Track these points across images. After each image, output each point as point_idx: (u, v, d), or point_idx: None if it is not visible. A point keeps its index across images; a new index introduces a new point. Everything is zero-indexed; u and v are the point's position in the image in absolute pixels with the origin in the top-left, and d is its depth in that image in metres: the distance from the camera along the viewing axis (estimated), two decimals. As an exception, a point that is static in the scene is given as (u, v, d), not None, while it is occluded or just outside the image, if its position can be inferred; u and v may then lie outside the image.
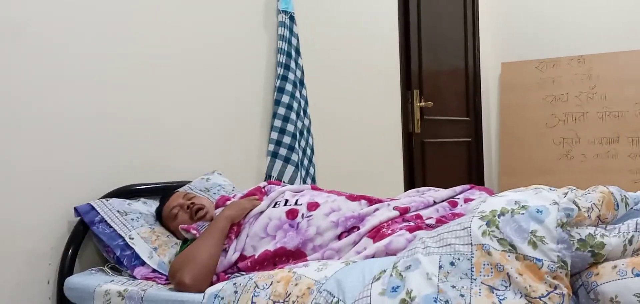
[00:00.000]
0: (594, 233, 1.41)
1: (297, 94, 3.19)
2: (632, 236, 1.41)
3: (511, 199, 1.47)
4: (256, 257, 1.97)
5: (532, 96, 5.25)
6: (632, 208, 1.58)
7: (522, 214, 1.40)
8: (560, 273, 1.32)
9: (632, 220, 1.48)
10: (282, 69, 3.14)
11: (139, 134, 2.50)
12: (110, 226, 2.16)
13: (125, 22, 2.47)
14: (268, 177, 3.08)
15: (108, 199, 2.29)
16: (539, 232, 1.35)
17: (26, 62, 2.12)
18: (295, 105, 3.15)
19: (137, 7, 2.52)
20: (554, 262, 1.32)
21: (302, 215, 2.04)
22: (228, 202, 2.21)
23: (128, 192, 2.39)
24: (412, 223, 1.92)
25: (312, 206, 2.06)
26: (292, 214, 2.05)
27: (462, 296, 1.31)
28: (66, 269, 2.16)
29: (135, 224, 2.21)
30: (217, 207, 2.27)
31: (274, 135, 3.10)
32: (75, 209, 2.21)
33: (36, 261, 2.14)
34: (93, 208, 2.20)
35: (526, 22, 5.44)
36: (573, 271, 1.38)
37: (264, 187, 2.32)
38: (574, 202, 1.45)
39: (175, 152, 2.67)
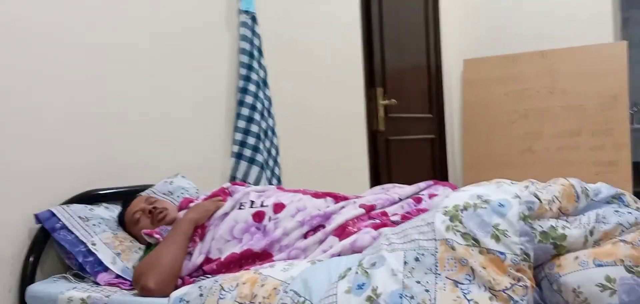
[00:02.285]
0: (556, 225, 1.43)
1: (261, 95, 3.18)
2: (593, 227, 1.44)
3: (474, 194, 1.48)
4: (222, 259, 1.96)
5: (495, 91, 5.30)
6: (592, 200, 1.61)
7: (485, 208, 1.41)
8: (524, 265, 1.33)
9: (593, 211, 1.50)
10: (245, 70, 3.12)
11: (99, 137, 2.47)
12: (72, 232, 2.12)
13: (78, 21, 2.43)
14: (233, 178, 3.06)
15: (69, 205, 2.25)
16: (501, 225, 1.37)
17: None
18: (258, 105, 3.13)
19: (94, 9, 2.49)
20: (517, 255, 1.33)
21: (269, 218, 2.03)
22: (191, 205, 2.20)
23: (89, 198, 2.35)
24: (377, 220, 1.93)
25: (278, 207, 2.06)
26: (258, 216, 2.04)
27: (427, 291, 1.32)
28: (28, 276, 2.12)
29: (97, 229, 2.18)
30: (180, 209, 2.25)
31: (238, 136, 3.08)
32: (36, 216, 2.17)
33: (-4, 269, 2.10)
34: (54, 215, 2.16)
35: (488, 18, 5.49)
36: (536, 263, 1.40)
37: (227, 189, 2.31)
38: (536, 195, 1.47)
39: (137, 155, 2.64)
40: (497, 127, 5.28)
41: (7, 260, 2.13)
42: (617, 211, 1.49)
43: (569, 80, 5.03)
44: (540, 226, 1.42)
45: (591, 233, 1.42)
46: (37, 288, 2.07)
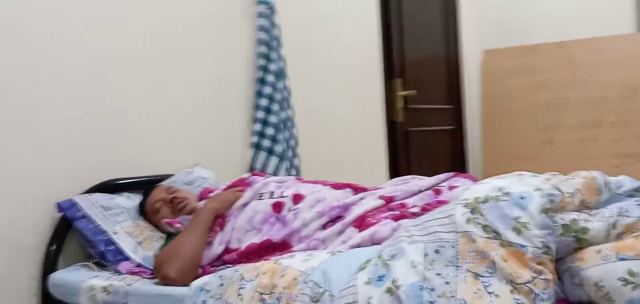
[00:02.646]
0: (578, 218, 1.41)
1: (280, 85, 3.18)
2: (616, 221, 1.42)
3: (494, 186, 1.47)
4: (242, 249, 1.97)
5: (514, 82, 5.27)
6: (614, 193, 1.59)
7: (506, 200, 1.40)
8: (545, 258, 1.32)
9: (615, 204, 1.49)
10: (263, 60, 3.13)
11: (120, 128, 2.49)
12: (94, 221, 2.14)
13: (101, 15, 2.45)
14: (252, 169, 3.07)
15: (91, 194, 2.27)
16: (522, 218, 1.36)
17: (2, 60, 2.10)
18: (277, 96, 3.13)
19: (113, 0, 2.50)
20: (538, 248, 1.32)
21: (289, 208, 2.03)
22: (211, 195, 2.21)
23: (111, 187, 2.37)
24: (397, 212, 1.93)
25: (298, 198, 2.06)
26: (278, 207, 2.05)
27: (448, 283, 1.31)
28: (50, 265, 2.14)
29: (118, 218, 2.19)
30: (200, 199, 2.26)
31: (257, 127, 3.09)
32: (58, 204, 2.19)
33: (20, 257, 2.12)
34: (75, 204, 2.18)
35: (506, 8, 5.45)
36: (557, 256, 1.39)
37: (247, 179, 2.31)
38: (557, 188, 1.45)
39: (158, 145, 2.66)
40: (517, 119, 5.25)
41: (29, 249, 2.15)
42: (639, 204, 1.47)
43: (589, 71, 4.99)
44: (561, 219, 1.41)
45: (613, 226, 1.41)
46: (59, 276, 2.09)
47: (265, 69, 3.12)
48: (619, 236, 1.41)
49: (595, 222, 1.41)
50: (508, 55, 5.31)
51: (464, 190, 1.54)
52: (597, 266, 1.33)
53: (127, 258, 2.08)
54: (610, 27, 4.96)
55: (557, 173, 1.60)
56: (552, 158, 5.06)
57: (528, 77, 5.22)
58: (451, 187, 2.15)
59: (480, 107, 5.49)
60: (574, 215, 1.43)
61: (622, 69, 4.84)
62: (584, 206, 1.49)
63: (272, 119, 3.09)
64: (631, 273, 1.28)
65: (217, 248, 1.98)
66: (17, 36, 2.14)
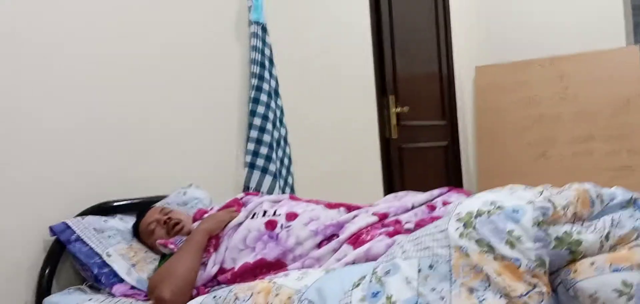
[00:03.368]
0: (571, 230, 1.41)
1: (273, 104, 3.19)
2: (609, 232, 1.42)
3: (487, 200, 1.47)
4: (236, 269, 1.96)
5: (507, 98, 5.29)
6: (607, 204, 1.59)
7: (498, 214, 1.40)
8: (539, 271, 1.32)
9: (608, 216, 1.49)
10: (257, 80, 3.13)
11: (113, 148, 2.49)
12: (87, 244, 2.13)
13: (94, 32, 2.45)
14: (246, 188, 3.07)
15: (84, 216, 2.26)
16: (515, 232, 1.36)
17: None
18: (271, 115, 3.14)
19: (106, 20, 2.51)
20: (532, 261, 1.32)
21: (281, 225, 2.03)
22: (205, 215, 2.20)
23: (104, 209, 2.37)
24: (391, 228, 1.92)
25: (291, 216, 2.05)
26: (271, 225, 2.04)
27: (443, 298, 1.31)
28: (44, 289, 2.13)
29: (112, 241, 2.19)
30: (194, 220, 2.26)
31: (251, 146, 3.09)
32: (51, 228, 2.18)
33: (13, 281, 2.11)
34: (69, 227, 2.18)
35: (498, 24, 5.49)
36: (551, 269, 1.39)
37: (241, 199, 2.31)
38: (550, 201, 1.46)
39: (151, 166, 2.65)
40: (510, 134, 5.27)
41: (23, 272, 2.14)
42: (632, 216, 1.47)
43: (581, 86, 5.01)
44: (555, 231, 1.40)
45: (607, 237, 1.41)
46: (53, 300, 2.08)
47: (258, 89, 3.12)
48: (612, 248, 1.41)
49: (588, 234, 1.41)
50: (500, 71, 5.34)
51: (457, 205, 1.54)
52: (592, 277, 1.32)
53: (121, 281, 2.07)
54: (601, 42, 4.99)
55: (549, 186, 1.61)
56: (546, 173, 5.07)
57: (520, 93, 5.24)
58: (445, 203, 2.15)
59: (474, 123, 5.51)
60: (567, 227, 1.42)
61: (613, 83, 4.87)
62: (577, 218, 1.49)
63: (266, 138, 3.10)
64: (625, 284, 1.28)
65: (211, 269, 1.98)
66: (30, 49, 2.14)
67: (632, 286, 1.28)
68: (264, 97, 3.12)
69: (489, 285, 1.31)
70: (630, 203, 1.60)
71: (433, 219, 2.00)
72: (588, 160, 4.96)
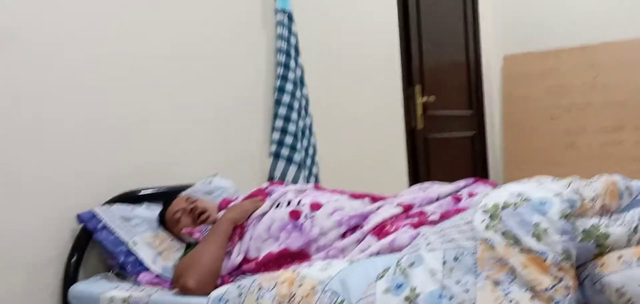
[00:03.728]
0: (598, 223, 1.40)
1: (298, 93, 3.18)
2: (637, 225, 1.40)
3: (514, 192, 1.46)
4: (260, 259, 1.96)
5: (536, 87, 5.23)
6: (636, 197, 1.57)
7: (525, 206, 1.39)
8: (565, 264, 1.31)
9: (637, 209, 1.47)
10: (282, 69, 3.13)
11: (140, 138, 2.50)
12: (113, 233, 2.15)
13: (121, 23, 2.47)
14: (271, 178, 3.07)
15: (110, 205, 2.28)
16: (542, 224, 1.34)
17: (22, 68, 2.12)
18: (296, 104, 3.14)
19: (134, 9, 2.52)
20: (559, 254, 1.30)
21: (306, 216, 2.03)
22: (230, 205, 2.21)
23: (131, 198, 2.38)
24: (415, 219, 1.91)
25: (315, 206, 2.05)
26: (295, 215, 2.04)
27: (467, 291, 1.30)
28: (70, 276, 2.16)
29: (138, 229, 2.20)
30: (219, 210, 2.27)
31: (276, 135, 3.09)
32: (78, 216, 2.20)
33: (40, 269, 2.14)
34: (95, 215, 2.19)
35: (527, 12, 5.42)
36: (578, 262, 1.37)
37: (266, 189, 2.31)
38: (577, 193, 1.44)
39: (177, 155, 2.67)
40: (538, 124, 5.21)
41: (50, 260, 2.17)
42: (661, 209, 1.45)
43: (611, 74, 4.94)
44: (582, 224, 1.39)
45: (635, 230, 1.39)
46: (80, 287, 2.10)
47: (284, 78, 3.13)
48: (640, 241, 1.39)
49: (616, 228, 1.39)
50: (529, 60, 5.28)
51: (483, 196, 1.52)
52: (619, 272, 1.31)
53: (146, 269, 2.09)
54: (632, 30, 4.91)
55: (577, 178, 1.58)
56: (575, 163, 5.02)
57: (549, 82, 5.18)
58: (471, 194, 2.13)
59: (501, 113, 5.46)
60: (595, 220, 1.41)
61: (644, 71, 4.80)
62: (605, 211, 1.47)
63: (291, 127, 3.10)
64: (654, 279, 1.26)
65: (235, 258, 1.98)
66: (36, 45, 2.16)
67: (660, 280, 1.26)
68: (289, 86, 3.12)
69: (515, 278, 1.30)
70: (659, 196, 1.58)
71: (458, 210, 1.99)
72: (618, 150, 4.90)
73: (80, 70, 2.30)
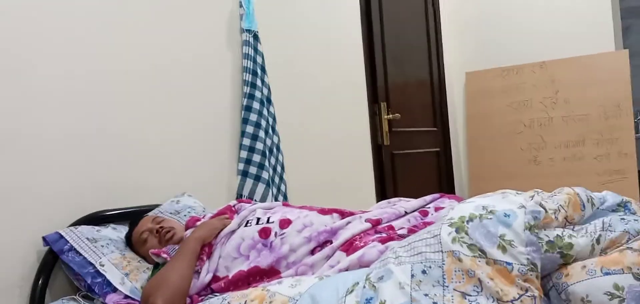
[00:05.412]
0: (562, 234, 1.43)
1: (265, 112, 3.19)
2: (600, 236, 1.44)
3: (479, 205, 1.49)
4: (230, 277, 1.95)
5: (497, 103, 5.31)
6: (598, 208, 1.61)
7: (490, 219, 1.42)
8: (531, 275, 1.33)
9: (599, 220, 1.50)
10: (249, 88, 3.14)
11: (106, 158, 2.48)
12: (80, 254, 2.13)
13: (90, 42, 2.45)
14: (239, 196, 3.07)
15: (77, 226, 2.26)
16: (507, 236, 1.37)
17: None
18: (263, 123, 3.14)
19: (101, 29, 2.51)
20: (524, 265, 1.33)
21: (275, 233, 2.03)
22: (198, 223, 2.20)
23: (97, 219, 2.36)
24: (384, 234, 1.93)
25: (285, 223, 2.06)
26: (265, 233, 2.04)
27: (435, 303, 1.32)
28: (37, 299, 2.12)
29: (105, 250, 2.18)
30: (187, 228, 2.25)
31: (243, 154, 3.09)
32: (44, 238, 2.18)
33: (6, 291, 2.10)
34: (62, 236, 2.17)
35: (487, 30, 5.51)
36: (543, 272, 1.40)
37: (234, 206, 2.31)
38: (541, 205, 1.47)
39: (144, 175, 2.65)
40: (501, 139, 5.29)
41: (16, 283, 2.14)
42: (623, 219, 1.49)
43: (571, 90, 5.04)
44: (546, 235, 1.42)
45: (598, 241, 1.43)
46: (47, 310, 2.08)
47: (250, 96, 3.13)
48: (603, 251, 1.43)
49: (579, 238, 1.42)
50: (490, 76, 5.36)
51: (450, 210, 1.55)
52: (583, 281, 1.34)
53: (114, 290, 2.07)
54: (591, 46, 5.02)
55: (540, 190, 1.62)
56: (537, 177, 5.09)
57: (511, 98, 5.26)
58: (437, 209, 2.16)
59: (465, 128, 5.52)
60: (559, 231, 1.44)
61: (603, 86, 4.90)
62: (568, 222, 1.51)
63: (259, 145, 3.10)
64: (617, 287, 1.29)
65: (204, 277, 1.97)
66: (23, 60, 2.14)
67: (623, 289, 1.29)
68: (256, 105, 3.13)
69: (482, 290, 1.32)
70: (620, 207, 1.62)
71: (426, 224, 2.01)
72: (579, 164, 4.98)
73: (46, 91, 2.28)
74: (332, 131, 3.91)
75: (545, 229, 1.44)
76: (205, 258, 2.02)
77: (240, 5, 3.20)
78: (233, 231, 2.09)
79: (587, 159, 4.96)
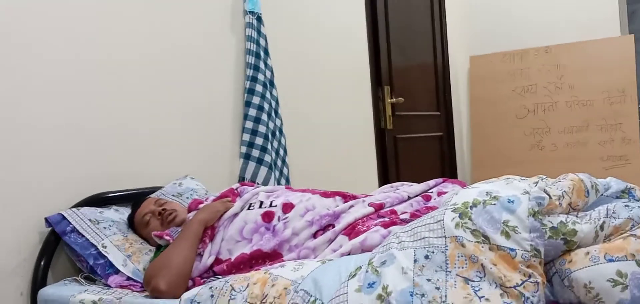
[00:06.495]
0: (566, 220, 1.42)
1: (268, 95, 3.18)
2: (603, 222, 1.43)
3: (483, 190, 1.48)
4: (232, 260, 1.96)
5: (502, 88, 5.30)
6: (602, 195, 1.60)
7: (494, 204, 1.41)
8: (534, 261, 1.33)
9: (603, 206, 1.50)
10: (252, 70, 3.13)
11: (109, 140, 2.48)
12: (83, 235, 2.13)
13: (91, 27, 2.44)
14: (241, 179, 3.07)
15: (79, 208, 2.26)
16: (511, 222, 1.37)
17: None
18: (266, 106, 3.14)
19: (103, 12, 2.50)
20: (527, 251, 1.33)
21: (278, 217, 2.03)
22: (200, 206, 2.20)
23: (99, 201, 2.36)
24: (386, 219, 1.93)
25: (288, 207, 2.05)
26: (268, 216, 2.04)
27: (438, 289, 1.32)
28: (39, 280, 2.13)
29: (107, 232, 2.18)
30: (189, 211, 2.25)
31: (246, 137, 3.09)
32: (46, 219, 2.18)
33: (8, 273, 2.11)
34: (64, 218, 2.17)
35: (493, 14, 5.49)
36: (546, 259, 1.40)
37: (236, 189, 2.31)
38: (545, 191, 1.46)
39: (147, 157, 2.65)
40: (505, 124, 5.28)
41: (18, 264, 2.14)
42: (627, 206, 1.48)
43: (576, 75, 5.03)
44: (550, 221, 1.41)
45: (602, 227, 1.42)
46: (49, 291, 2.08)
47: (253, 79, 3.12)
48: (607, 238, 1.42)
49: (583, 225, 1.42)
50: (495, 61, 5.34)
51: (453, 195, 1.54)
52: (586, 267, 1.33)
53: (116, 272, 2.07)
54: (596, 31, 5.00)
55: (544, 176, 1.61)
56: (540, 162, 5.09)
57: (515, 82, 5.25)
58: (440, 193, 2.16)
59: (468, 113, 5.51)
60: (562, 217, 1.43)
61: (608, 72, 4.88)
62: (572, 208, 1.50)
63: (261, 128, 3.09)
64: (620, 274, 1.29)
65: (207, 259, 1.97)
66: (3, 47, 2.13)
67: (626, 275, 1.29)
68: (259, 88, 3.12)
69: (485, 275, 1.31)
70: (624, 193, 1.62)
71: (429, 209, 2.01)
72: (582, 150, 4.98)
73: (48, 74, 2.27)
74: (335, 115, 3.91)
75: (549, 216, 1.43)
76: (207, 241, 2.03)
77: (244, -13, 3.19)
78: (236, 214, 2.09)
79: (591, 144, 4.95)
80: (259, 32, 3.21)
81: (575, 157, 4.99)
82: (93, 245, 2.12)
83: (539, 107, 5.16)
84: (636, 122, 4.81)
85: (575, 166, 4.80)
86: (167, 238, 2.08)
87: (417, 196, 2.16)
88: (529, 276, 1.30)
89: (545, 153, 5.12)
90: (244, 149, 3.08)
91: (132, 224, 2.31)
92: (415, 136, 4.74)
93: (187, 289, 1.83)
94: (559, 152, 5.07)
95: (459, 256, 1.36)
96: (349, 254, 1.77)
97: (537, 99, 5.16)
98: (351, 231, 1.89)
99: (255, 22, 3.18)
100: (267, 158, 3.09)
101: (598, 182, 1.60)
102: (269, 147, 3.11)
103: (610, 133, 4.88)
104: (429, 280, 1.34)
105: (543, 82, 5.15)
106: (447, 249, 1.38)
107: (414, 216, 1.94)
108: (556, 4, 5.20)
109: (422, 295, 1.31)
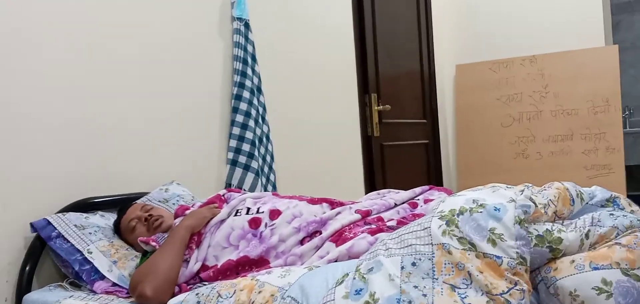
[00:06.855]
0: (552, 228, 1.44)
1: (255, 101, 3.18)
2: (589, 230, 1.44)
3: (469, 198, 1.49)
4: (218, 267, 1.95)
5: (487, 96, 5.33)
6: (587, 203, 1.62)
7: (481, 212, 1.42)
8: (520, 269, 1.34)
9: (588, 215, 1.51)
10: (239, 76, 3.13)
11: (94, 145, 2.47)
12: (68, 241, 2.12)
13: (78, 30, 2.43)
14: (228, 185, 3.06)
15: (65, 213, 2.25)
16: (497, 229, 1.37)
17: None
18: (253, 112, 3.14)
19: (89, 17, 2.49)
20: (513, 259, 1.34)
21: (265, 224, 2.03)
22: (187, 212, 2.20)
23: (85, 206, 2.35)
24: (373, 226, 1.93)
25: (275, 214, 2.05)
26: (255, 223, 2.04)
27: (425, 295, 1.32)
28: (24, 285, 2.11)
29: (93, 237, 2.17)
30: (176, 217, 2.25)
31: (233, 143, 3.08)
32: (32, 224, 2.16)
33: (-8, 279, 2.10)
34: (49, 223, 2.16)
35: (479, 24, 5.52)
36: (532, 267, 1.41)
37: (223, 195, 2.31)
38: (531, 199, 1.48)
39: (133, 162, 2.64)
40: (490, 132, 5.30)
41: (3, 269, 2.13)
42: (612, 214, 1.50)
43: (561, 84, 5.06)
44: (536, 229, 1.43)
45: (587, 236, 1.43)
46: (34, 297, 2.06)
47: (241, 85, 3.12)
48: (592, 246, 1.43)
49: (569, 233, 1.43)
50: (481, 70, 5.37)
51: (440, 203, 1.55)
52: (572, 275, 1.34)
53: (102, 278, 2.06)
54: (581, 41, 5.04)
55: (530, 185, 1.63)
56: (525, 170, 5.12)
57: (500, 91, 5.28)
58: (427, 201, 2.17)
59: (454, 121, 5.53)
60: (548, 226, 1.45)
61: (593, 81, 4.92)
62: (557, 217, 1.52)
63: (248, 135, 3.09)
64: (605, 282, 1.30)
65: (193, 266, 1.97)
66: (12, 46, 2.13)
67: (611, 283, 1.30)
68: (246, 94, 3.12)
69: (471, 282, 1.32)
70: (609, 202, 1.63)
71: (415, 216, 2.02)
72: (567, 158, 5.01)
73: (34, 77, 2.26)
74: (322, 122, 3.91)
75: (534, 224, 1.44)
76: (194, 247, 2.02)
77: (232, -7, 3.19)
78: (223, 221, 2.09)
79: (575, 153, 4.99)
80: (246, 38, 3.21)
81: (560, 165, 5.02)
82: (78, 251, 2.11)
83: (524, 115, 5.19)
84: (620, 132, 4.84)
85: (560, 174, 4.83)
86: (154, 244, 2.07)
87: (403, 203, 2.17)
88: (515, 284, 1.31)
89: (530, 161, 5.15)
90: (231, 155, 3.08)
91: (118, 230, 2.30)
92: (402, 144, 4.75)
93: (173, 295, 1.83)
94: (543, 160, 5.10)
95: (445, 263, 1.36)
96: (336, 261, 1.77)
97: (523, 107, 5.19)
98: (338, 237, 1.90)
99: (243, 28, 3.19)
100: (254, 164, 3.08)
101: (583, 191, 1.62)
102: (256, 153, 3.11)
103: (594, 142, 4.92)
104: (415, 287, 1.34)
105: (528, 91, 5.18)
106: (434, 257, 1.38)
107: (401, 223, 1.94)
108: (542, 14, 5.24)
109: (409, 302, 1.32)
